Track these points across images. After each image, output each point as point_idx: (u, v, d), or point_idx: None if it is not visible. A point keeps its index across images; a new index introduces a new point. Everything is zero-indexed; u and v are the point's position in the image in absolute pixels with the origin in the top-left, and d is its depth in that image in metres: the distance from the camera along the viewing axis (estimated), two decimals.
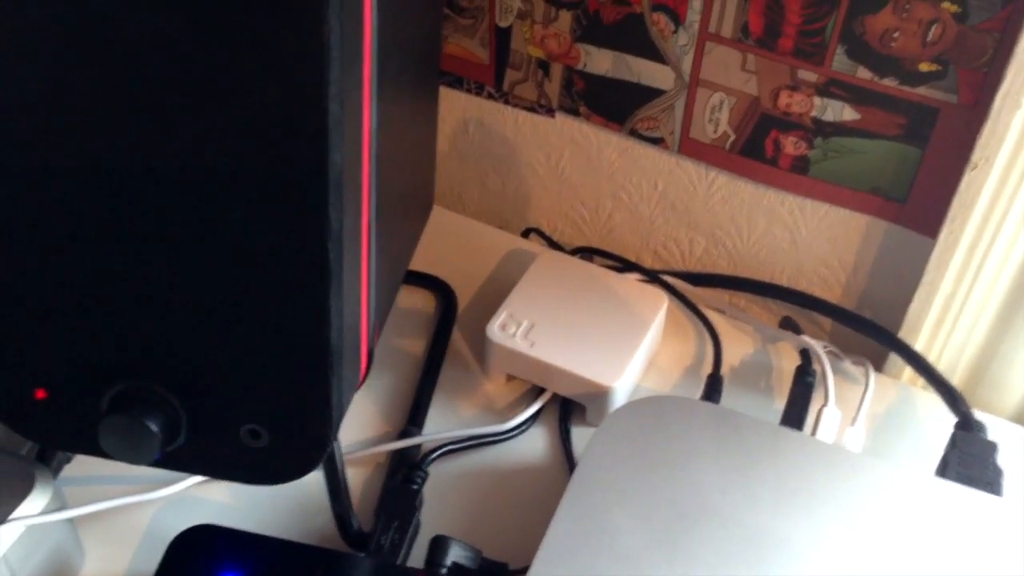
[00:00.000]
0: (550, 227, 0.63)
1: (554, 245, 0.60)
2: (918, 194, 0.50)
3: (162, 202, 0.32)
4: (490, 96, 0.60)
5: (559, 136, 0.59)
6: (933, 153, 0.48)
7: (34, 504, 0.40)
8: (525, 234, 0.62)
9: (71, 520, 0.42)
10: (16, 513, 0.39)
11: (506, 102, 0.59)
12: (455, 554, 0.42)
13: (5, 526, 0.38)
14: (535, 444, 0.50)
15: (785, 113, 0.50)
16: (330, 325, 0.34)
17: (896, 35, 0.45)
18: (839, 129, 0.49)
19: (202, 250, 0.33)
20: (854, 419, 0.47)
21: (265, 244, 0.32)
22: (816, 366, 0.49)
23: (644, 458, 0.43)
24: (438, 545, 0.42)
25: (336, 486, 0.42)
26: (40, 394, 0.37)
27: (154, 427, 0.35)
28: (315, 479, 0.46)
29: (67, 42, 0.29)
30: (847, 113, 0.49)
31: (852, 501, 0.42)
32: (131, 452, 0.36)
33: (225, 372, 0.35)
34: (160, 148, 0.31)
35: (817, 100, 0.49)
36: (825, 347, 0.51)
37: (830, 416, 0.46)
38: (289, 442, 0.37)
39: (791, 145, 0.51)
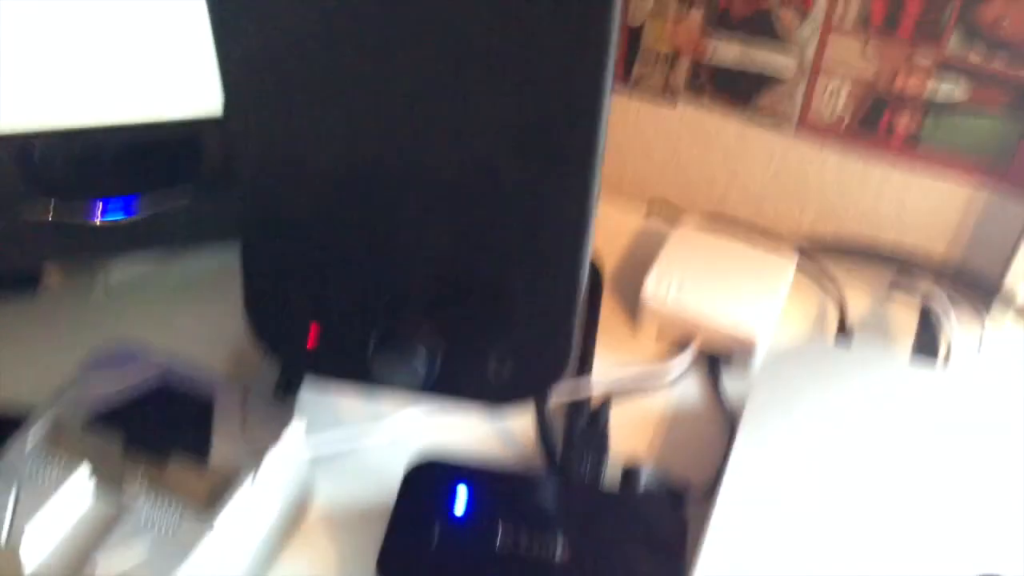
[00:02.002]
0: (667, 207, 0.69)
1: (676, 215, 0.67)
2: (1019, 164, 0.57)
3: (454, 158, 0.38)
4: (615, 89, 0.66)
5: (679, 123, 0.66)
6: None
7: (293, 435, 0.46)
8: (648, 214, 0.68)
9: (308, 457, 0.49)
10: (281, 441, 0.45)
11: (630, 94, 0.66)
12: (645, 478, 0.49)
13: (275, 458, 0.45)
14: (689, 391, 0.56)
15: (900, 94, 0.57)
16: (582, 264, 0.40)
17: (1006, 21, 0.52)
18: (949, 108, 0.56)
19: (483, 203, 0.39)
20: (978, 348, 0.54)
21: (539, 197, 0.39)
22: (937, 312, 0.56)
23: (804, 395, 0.50)
24: (630, 474, 0.49)
25: (544, 423, 0.48)
26: (313, 338, 0.44)
27: (420, 359, 0.42)
28: (514, 423, 0.53)
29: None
30: (958, 93, 0.56)
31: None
32: (398, 380, 0.42)
33: (484, 308, 0.42)
34: (458, 109, 0.38)
35: (931, 82, 0.56)
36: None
37: (958, 350, 0.53)
38: (531, 367, 0.43)
39: (903, 124, 0.58)
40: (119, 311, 0.58)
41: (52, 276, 0.59)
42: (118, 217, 0.48)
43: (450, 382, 0.44)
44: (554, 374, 0.43)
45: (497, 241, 0.40)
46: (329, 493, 0.51)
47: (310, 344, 0.43)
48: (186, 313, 0.58)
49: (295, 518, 0.49)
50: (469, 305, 0.42)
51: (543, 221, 0.39)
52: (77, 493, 0.43)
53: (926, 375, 0.51)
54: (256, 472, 0.44)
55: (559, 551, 0.44)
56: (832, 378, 0.50)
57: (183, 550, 0.41)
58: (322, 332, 0.43)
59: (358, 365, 0.44)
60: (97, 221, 0.47)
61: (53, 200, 0.48)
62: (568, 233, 0.39)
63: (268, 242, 0.43)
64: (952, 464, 0.47)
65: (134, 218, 0.48)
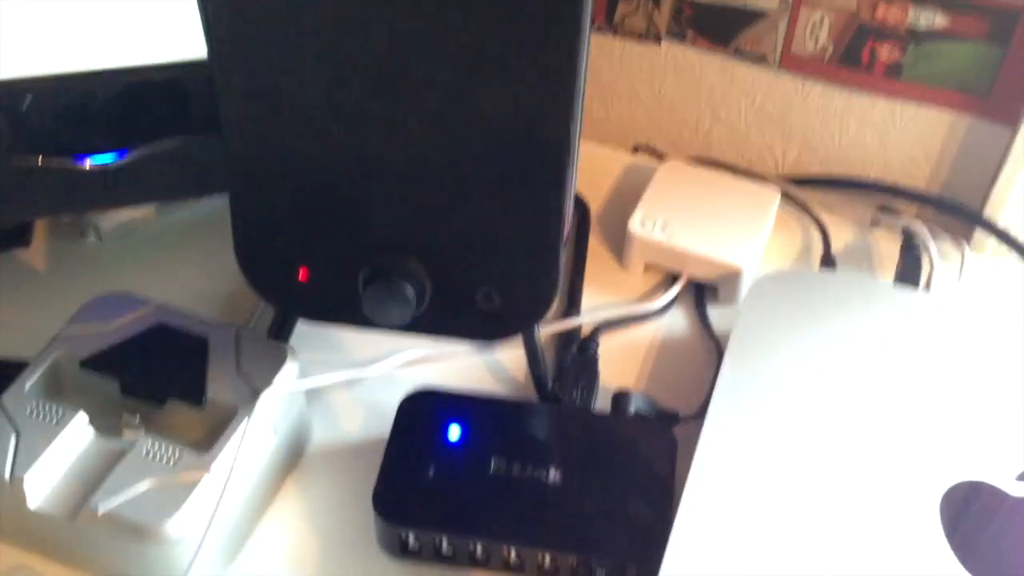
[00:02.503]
0: (653, 151, 0.70)
1: (661, 159, 0.68)
2: (1000, 89, 0.57)
3: (436, 89, 0.39)
4: (599, 29, 0.67)
5: (664, 61, 0.66)
6: (1015, 52, 0.55)
7: (288, 373, 0.47)
8: (634, 150, 0.69)
9: (305, 397, 0.50)
10: (276, 380, 0.46)
11: (615, 33, 0.66)
12: (635, 404, 0.50)
13: (271, 396, 0.45)
14: (676, 322, 0.57)
15: (881, 23, 0.57)
16: (565, 197, 0.41)
17: None
18: (930, 35, 0.57)
19: (465, 135, 0.40)
20: (960, 274, 0.55)
21: (520, 127, 0.39)
22: (918, 240, 0.57)
23: (790, 319, 0.51)
24: (621, 398, 0.50)
25: (534, 355, 0.49)
26: (303, 274, 0.44)
27: (409, 294, 0.43)
28: (505, 357, 0.54)
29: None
30: (938, 20, 0.56)
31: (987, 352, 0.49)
32: (388, 316, 0.43)
33: (468, 244, 0.43)
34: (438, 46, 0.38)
35: (911, 10, 0.56)
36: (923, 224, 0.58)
37: (940, 276, 0.54)
38: (518, 302, 0.44)
39: (886, 53, 0.59)
40: (112, 261, 0.59)
41: (44, 228, 0.60)
42: (108, 161, 0.48)
43: (439, 319, 0.44)
44: (541, 307, 0.44)
45: (480, 174, 0.40)
46: (325, 431, 0.52)
47: (302, 279, 0.44)
48: (179, 261, 0.59)
49: (292, 456, 0.50)
50: (454, 241, 0.43)
51: (526, 150, 0.40)
52: (77, 434, 0.44)
53: (909, 297, 0.52)
54: (252, 412, 0.45)
55: (552, 473, 0.46)
56: (817, 302, 0.51)
57: (183, 489, 0.42)
58: (312, 274, 0.44)
59: (348, 306, 0.44)
60: (87, 165, 0.48)
61: (43, 151, 0.48)
62: (551, 162, 0.40)
63: (254, 186, 0.44)
64: (935, 382, 0.48)
65: (123, 161, 0.48)
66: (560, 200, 0.41)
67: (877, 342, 0.50)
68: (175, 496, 0.42)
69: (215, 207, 0.61)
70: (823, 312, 0.51)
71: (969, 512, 0.44)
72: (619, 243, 0.60)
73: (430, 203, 0.42)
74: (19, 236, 0.58)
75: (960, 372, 0.48)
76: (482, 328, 0.45)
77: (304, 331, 0.55)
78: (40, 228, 0.60)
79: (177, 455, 0.43)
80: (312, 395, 0.52)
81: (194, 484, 0.42)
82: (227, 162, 0.43)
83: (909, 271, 0.55)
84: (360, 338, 0.55)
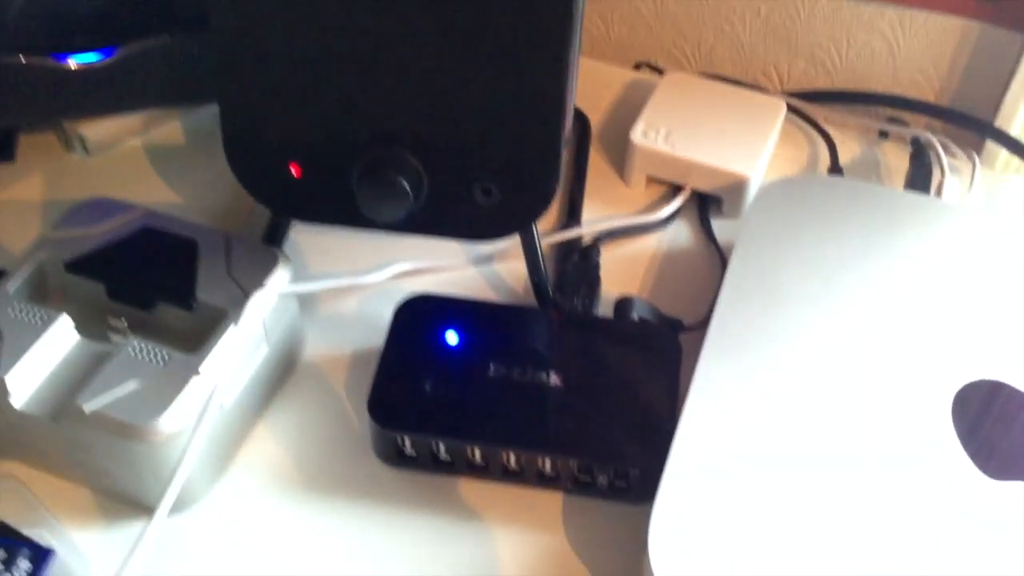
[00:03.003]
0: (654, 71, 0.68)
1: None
2: None
3: None
4: None
5: None
6: None
7: (280, 277, 0.45)
8: (636, 68, 0.67)
9: (298, 304, 0.48)
10: (268, 283, 0.45)
11: None
12: (639, 310, 0.48)
13: (262, 298, 0.44)
14: (680, 234, 0.56)
15: None
16: (566, 85, 0.39)
17: None
18: None
19: (463, 27, 0.38)
20: (971, 186, 0.53)
21: (520, 16, 0.37)
22: (929, 149, 0.55)
23: (798, 224, 0.49)
24: (624, 303, 0.49)
25: (534, 255, 0.48)
26: (295, 170, 0.43)
27: (405, 188, 0.41)
28: (503, 268, 0.53)
29: None
30: None
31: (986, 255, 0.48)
32: (383, 212, 0.42)
33: (466, 135, 0.41)
34: None
35: None
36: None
37: (951, 185, 0.53)
38: (518, 196, 0.42)
39: None
40: (99, 176, 0.57)
41: (28, 144, 0.58)
42: (92, 60, 0.46)
43: (436, 217, 0.43)
44: (542, 202, 0.43)
45: (476, 57, 0.39)
46: (320, 342, 0.50)
47: (294, 175, 0.42)
48: (170, 176, 0.57)
49: (286, 365, 0.48)
50: (451, 133, 0.41)
51: (524, 25, 0.38)
52: (61, 337, 0.43)
53: (920, 202, 0.51)
54: (242, 313, 0.43)
55: (553, 378, 0.44)
56: (825, 208, 0.50)
57: (172, 389, 0.41)
58: (304, 170, 0.42)
59: (343, 205, 0.43)
60: (71, 65, 0.46)
61: (25, 49, 0.47)
62: (551, 41, 0.38)
63: (241, 77, 0.42)
64: (946, 286, 0.47)
65: (108, 61, 0.47)
66: (561, 87, 0.39)
67: (887, 248, 0.48)
68: (164, 396, 0.41)
69: (205, 121, 0.60)
70: (831, 218, 0.49)
71: (981, 412, 0.43)
72: (620, 158, 0.59)
73: (425, 91, 0.40)
74: (3, 149, 0.57)
75: (972, 277, 0.47)
76: (481, 225, 0.43)
77: (300, 244, 0.53)
78: (25, 144, 0.58)
79: (166, 357, 0.42)
80: (306, 307, 0.51)
81: (183, 384, 0.41)
82: (214, 53, 0.41)
83: (919, 179, 0.54)
84: (357, 250, 0.53)
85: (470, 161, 0.41)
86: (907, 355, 0.44)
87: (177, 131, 0.59)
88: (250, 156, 0.43)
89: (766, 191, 0.51)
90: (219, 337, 0.43)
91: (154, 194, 0.56)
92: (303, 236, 0.54)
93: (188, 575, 0.42)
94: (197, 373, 0.41)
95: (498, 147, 0.41)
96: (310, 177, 0.43)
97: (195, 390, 0.41)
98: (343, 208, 0.43)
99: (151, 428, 0.40)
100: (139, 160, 0.58)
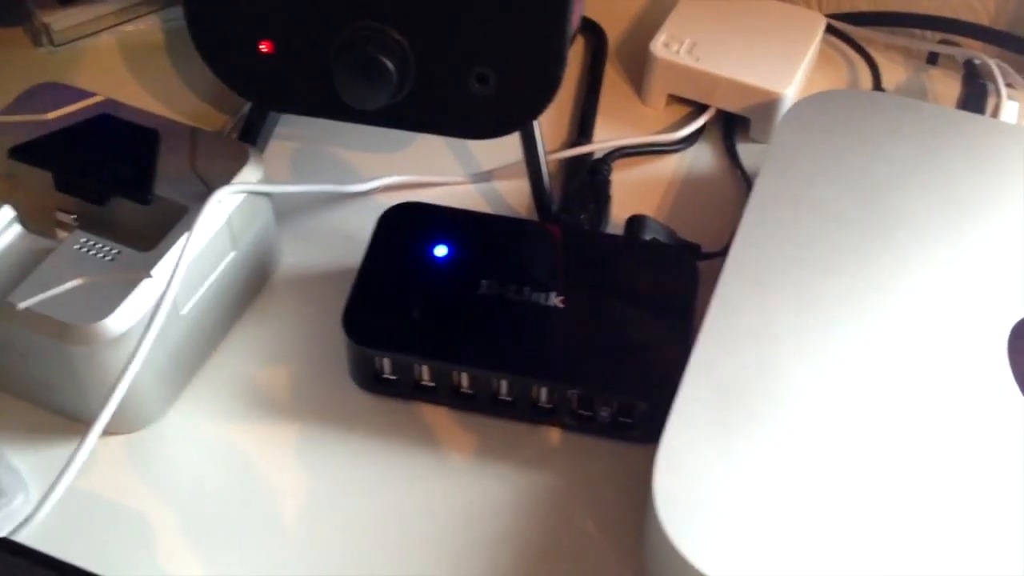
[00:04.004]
0: None
1: None
2: None
3: None
4: None
5: None
6: None
7: (250, 175, 0.40)
8: None
9: (273, 211, 0.43)
10: (236, 180, 0.40)
11: None
12: (652, 230, 0.43)
13: (227, 193, 0.39)
14: (702, 158, 0.51)
15: None
16: None
17: None
18: None
19: None
20: None
21: None
22: (983, 71, 0.50)
23: (833, 141, 0.44)
24: (636, 221, 0.43)
25: (535, 163, 0.42)
26: (266, 47, 0.38)
27: (389, 68, 0.36)
28: (503, 186, 0.48)
29: None
30: None
31: None
32: (365, 92, 0.37)
33: (459, 10, 0.36)
34: None
35: None
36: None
37: (1009, 107, 0.47)
38: (518, 86, 0.37)
39: None
40: (66, 70, 0.52)
41: None
42: None
43: (426, 108, 0.38)
44: (545, 92, 0.37)
45: None
46: (296, 257, 0.45)
47: (268, 50, 0.37)
48: (141, 73, 0.52)
49: (256, 277, 0.43)
50: (443, 9, 0.36)
51: None
52: (1, 228, 0.38)
53: (974, 122, 0.45)
54: (203, 209, 0.38)
55: (552, 298, 0.39)
56: (866, 125, 0.44)
57: (120, 289, 0.36)
58: (277, 49, 0.37)
59: (319, 89, 0.38)
60: None
61: None
62: None
63: None
64: (1003, 212, 0.41)
65: None
66: None
67: (935, 169, 0.43)
68: (110, 295, 0.36)
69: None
70: (872, 136, 0.44)
71: None
72: (639, 75, 0.53)
73: None
74: None
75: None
76: (475, 120, 0.38)
77: (282, 156, 0.48)
78: None
79: (116, 253, 0.37)
80: (284, 219, 0.46)
81: (133, 284, 0.36)
82: None
83: (973, 102, 0.48)
84: (344, 163, 0.48)
85: (464, 41, 0.36)
86: (955, 285, 0.39)
87: (154, 27, 0.54)
88: (217, 31, 0.38)
89: (800, 105, 0.46)
90: (177, 234, 0.38)
91: (123, 94, 0.50)
92: (290, 145, 0.49)
93: (139, 503, 0.38)
94: (149, 274, 0.36)
95: (496, 25, 0.36)
96: (283, 56, 0.37)
97: (146, 290, 0.36)
98: (320, 93, 0.37)
99: (92, 330, 0.35)
100: (110, 56, 0.53)
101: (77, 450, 0.34)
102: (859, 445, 0.35)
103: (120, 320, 0.35)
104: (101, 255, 0.37)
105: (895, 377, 0.36)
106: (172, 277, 0.36)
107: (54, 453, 0.38)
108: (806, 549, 0.32)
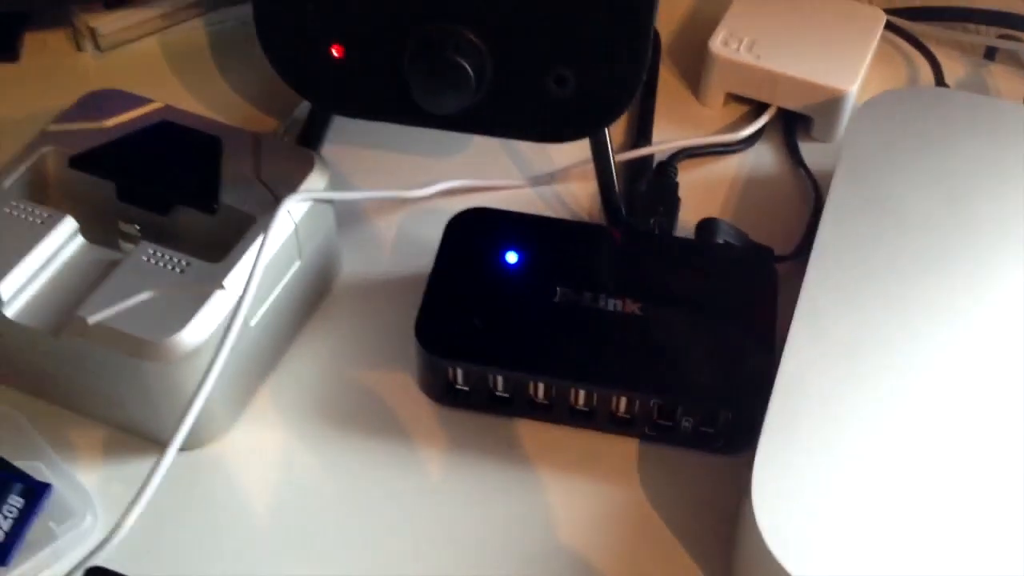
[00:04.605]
0: None
1: None
2: None
3: None
4: None
5: None
6: None
7: (316, 182, 0.39)
8: None
9: (335, 219, 0.42)
10: (302, 187, 0.39)
11: None
12: (724, 233, 0.42)
13: (295, 201, 0.38)
14: (764, 158, 0.49)
15: None
16: None
17: None
18: None
19: None
20: None
21: None
22: None
23: (907, 140, 0.43)
24: (708, 224, 0.42)
25: (606, 167, 0.41)
26: (338, 51, 0.37)
27: (466, 70, 0.35)
28: (567, 189, 0.47)
29: None
30: None
31: None
32: (442, 96, 0.35)
33: (539, 9, 0.35)
34: None
35: None
36: None
37: None
38: (597, 87, 0.36)
39: None
40: (113, 76, 0.51)
41: (34, 43, 0.52)
42: None
43: (501, 111, 0.36)
44: (625, 94, 0.36)
45: None
46: (358, 264, 0.44)
47: (336, 56, 0.36)
48: (192, 77, 0.51)
49: (320, 286, 0.42)
50: (520, 8, 0.34)
51: None
52: (64, 241, 0.37)
53: None
54: (272, 220, 0.37)
55: (630, 303, 0.38)
56: (939, 124, 0.43)
57: (192, 302, 0.35)
58: (348, 53, 0.36)
59: (392, 94, 0.37)
60: None
61: None
62: None
63: None
64: None
65: None
66: None
67: (1015, 168, 0.42)
68: (182, 309, 0.35)
69: (229, 19, 0.53)
70: (947, 134, 0.43)
71: None
72: (695, 75, 0.52)
73: None
74: (5, 47, 0.51)
75: None
76: (552, 123, 0.37)
77: (341, 159, 0.47)
78: (32, 43, 0.52)
79: (185, 265, 0.36)
80: (345, 225, 0.44)
81: (205, 297, 0.35)
82: None
83: None
84: (403, 168, 0.47)
85: (543, 42, 0.35)
86: None
87: (199, 30, 0.53)
88: (286, 35, 0.37)
89: (870, 104, 0.44)
90: (247, 244, 0.37)
91: (172, 98, 0.49)
92: (344, 150, 0.48)
93: (205, 519, 0.37)
94: (222, 286, 0.35)
95: (577, 25, 0.34)
96: (354, 60, 0.36)
97: (218, 303, 0.35)
98: (392, 98, 0.36)
99: (166, 345, 0.34)
100: (156, 60, 0.52)
101: (155, 469, 0.33)
102: (950, 453, 0.34)
103: (194, 334, 0.34)
104: (170, 267, 0.36)
105: (983, 383, 0.35)
106: (246, 289, 0.35)
107: (123, 471, 0.37)
108: (904, 558, 0.31)
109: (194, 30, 0.53)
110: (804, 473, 0.33)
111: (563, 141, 0.38)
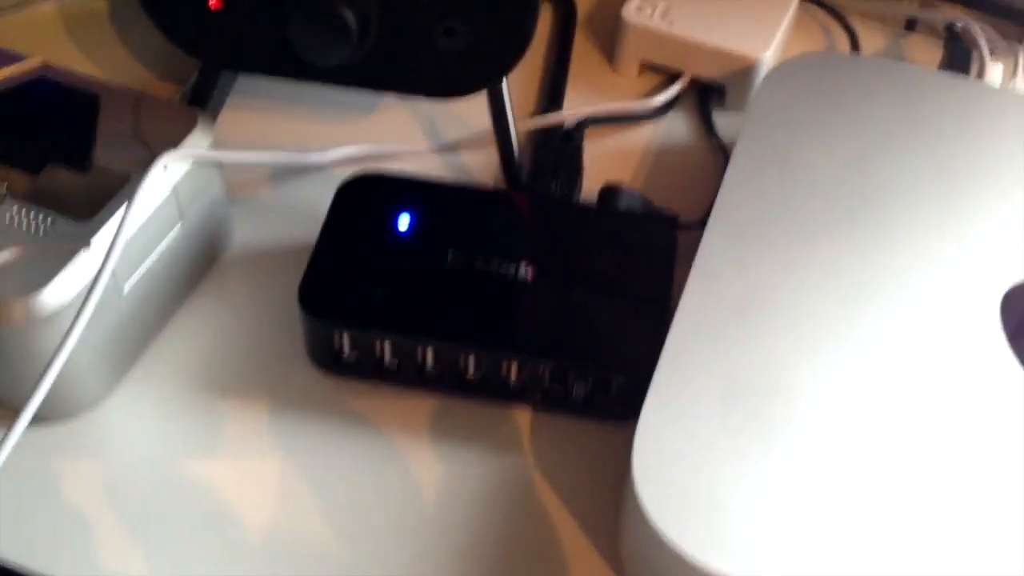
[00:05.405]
0: None
1: None
2: None
3: None
4: None
5: None
6: None
7: (198, 141, 0.38)
8: None
9: (224, 183, 0.40)
10: (183, 145, 0.37)
11: None
12: (627, 199, 0.41)
13: (173, 159, 0.36)
14: (677, 128, 0.48)
15: None
16: None
17: None
18: None
19: None
20: (1014, 71, 0.46)
21: None
22: (965, 35, 0.48)
23: (815, 104, 0.42)
24: (610, 190, 0.41)
25: (504, 126, 0.40)
26: (216, 1, 0.35)
27: (348, 20, 0.33)
28: (471, 159, 0.45)
29: None
30: None
31: None
32: (323, 46, 0.34)
33: None
34: None
35: None
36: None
37: (993, 68, 0.45)
38: (487, 40, 0.35)
39: None
40: (4, 36, 0.49)
41: None
42: None
43: (388, 65, 0.35)
44: (516, 46, 0.35)
45: None
46: (250, 233, 0.42)
47: (213, 5, 0.34)
48: (86, 42, 0.49)
49: (206, 254, 0.41)
50: None
51: None
52: None
53: (960, 84, 0.43)
54: (146, 176, 0.35)
55: (523, 269, 0.37)
56: (848, 89, 0.42)
57: (54, 261, 0.33)
58: (227, 5, 0.35)
59: (273, 46, 0.35)
60: None
61: None
62: None
63: None
64: (992, 177, 0.39)
65: None
66: None
67: (922, 133, 0.41)
68: (42, 268, 0.33)
69: None
70: (855, 99, 0.42)
71: None
72: (610, 43, 0.51)
73: None
74: None
75: (1020, 166, 0.40)
76: (442, 77, 0.36)
77: (236, 125, 0.45)
78: None
79: (50, 224, 0.34)
80: (237, 193, 0.43)
81: (69, 256, 0.33)
82: None
83: (956, 65, 0.46)
84: (302, 133, 0.46)
85: None
86: (945, 250, 0.37)
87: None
88: None
89: (779, 69, 0.43)
90: (118, 204, 0.35)
91: (67, 64, 0.48)
92: (240, 116, 0.46)
93: (77, 494, 0.35)
94: (87, 245, 0.34)
95: None
96: (234, 10, 0.35)
97: (83, 264, 0.33)
98: (275, 51, 0.35)
99: (23, 305, 0.32)
100: (51, 26, 0.50)
101: (5, 439, 0.31)
102: (847, 418, 0.33)
103: (54, 295, 0.33)
104: (33, 226, 0.34)
105: (883, 346, 0.34)
106: (112, 247, 0.33)
107: None
108: (790, 528, 0.30)
109: None
110: (688, 440, 0.32)
111: (454, 96, 0.37)
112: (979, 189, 0.39)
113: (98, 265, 0.33)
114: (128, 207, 0.34)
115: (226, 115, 0.46)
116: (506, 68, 0.36)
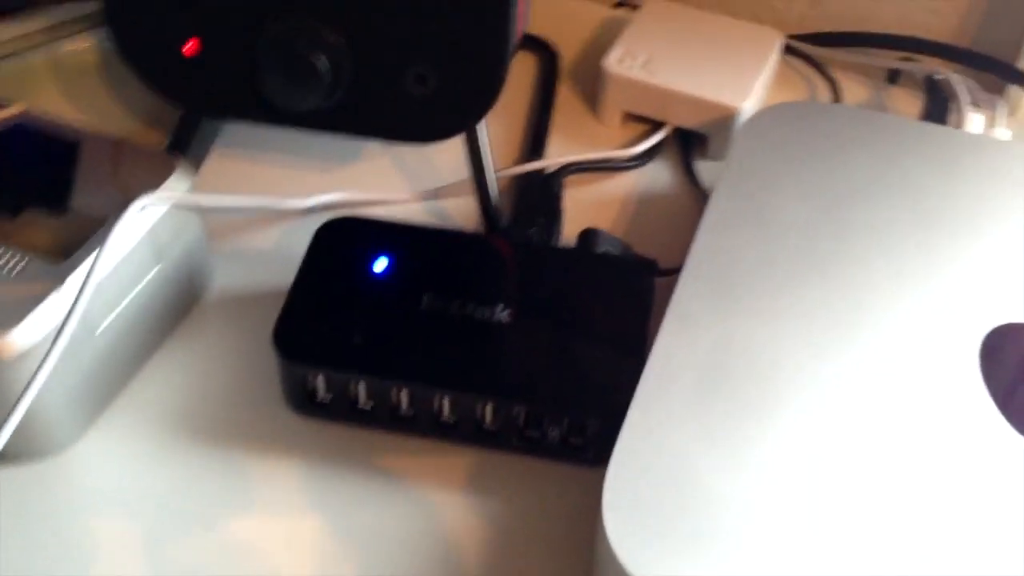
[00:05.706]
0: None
1: None
2: None
3: None
4: None
5: None
6: None
7: (176, 185, 0.38)
8: (617, 5, 0.60)
9: (203, 228, 0.41)
10: (161, 189, 0.37)
11: None
12: (605, 244, 0.41)
13: (149, 201, 0.37)
14: (659, 176, 0.49)
15: None
16: None
17: None
18: None
19: None
20: (992, 122, 0.46)
21: None
22: (945, 87, 0.48)
23: (792, 153, 0.42)
24: (589, 234, 0.41)
25: (480, 170, 0.40)
26: (192, 46, 0.36)
27: (320, 61, 0.34)
28: (451, 204, 0.46)
29: None
30: None
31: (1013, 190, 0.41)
32: (295, 92, 0.34)
33: (395, 8, 0.34)
34: None
35: None
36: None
37: (974, 118, 0.46)
38: (457, 87, 0.35)
39: None
40: None
41: None
42: None
43: (361, 111, 0.35)
44: (488, 93, 0.35)
45: None
46: (228, 278, 0.43)
47: (188, 52, 0.35)
48: (75, 93, 0.50)
49: (184, 296, 0.41)
50: (378, 4, 0.34)
51: None
52: None
53: (939, 133, 0.43)
54: (120, 218, 0.35)
55: (499, 313, 0.37)
56: (828, 137, 0.43)
57: (25, 301, 0.33)
58: (203, 49, 0.35)
59: (248, 92, 0.35)
60: None
61: None
62: None
63: None
64: (971, 222, 0.39)
65: None
66: None
67: (900, 180, 0.41)
68: (14, 310, 0.33)
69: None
70: (833, 148, 0.42)
71: (1009, 356, 0.35)
72: (593, 94, 0.51)
73: None
74: None
75: (997, 212, 0.40)
76: (414, 123, 0.36)
77: (218, 173, 0.46)
78: None
79: (23, 263, 0.34)
80: (217, 238, 0.43)
81: (40, 297, 0.33)
82: None
83: (936, 115, 0.47)
84: (284, 181, 0.46)
85: (402, 40, 0.34)
86: (924, 297, 0.37)
87: (90, 46, 0.52)
88: (139, 30, 0.36)
89: (757, 117, 0.44)
90: (93, 247, 0.35)
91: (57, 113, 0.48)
92: (225, 162, 0.47)
93: (47, 537, 0.34)
94: (59, 285, 0.34)
95: (435, 23, 0.34)
96: (209, 56, 0.35)
97: (54, 304, 0.33)
98: (248, 95, 0.35)
99: None
100: (41, 77, 0.51)
101: None
102: (823, 465, 0.32)
103: (24, 335, 0.33)
104: (7, 269, 0.34)
105: (861, 395, 0.34)
106: (83, 288, 0.33)
107: None
108: (758, 570, 0.30)
109: (85, 47, 0.52)
110: (661, 486, 0.32)
111: (427, 141, 0.37)
112: (958, 235, 0.39)
113: (69, 305, 0.33)
114: (101, 248, 0.34)
115: (212, 162, 0.46)
116: (478, 114, 0.36)
